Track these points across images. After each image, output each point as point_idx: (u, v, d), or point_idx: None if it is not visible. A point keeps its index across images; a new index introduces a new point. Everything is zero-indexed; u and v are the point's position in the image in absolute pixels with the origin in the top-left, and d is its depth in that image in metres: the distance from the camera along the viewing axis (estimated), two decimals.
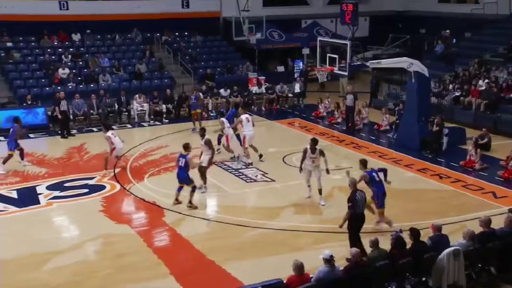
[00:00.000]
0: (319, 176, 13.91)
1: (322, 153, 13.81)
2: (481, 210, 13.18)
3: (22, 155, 17.24)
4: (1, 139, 19.70)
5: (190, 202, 14.03)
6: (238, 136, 17.69)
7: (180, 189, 14.19)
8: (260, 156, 17.53)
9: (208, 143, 14.97)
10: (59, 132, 21.12)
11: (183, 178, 14.13)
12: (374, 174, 12.20)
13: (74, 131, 21.37)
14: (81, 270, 11.04)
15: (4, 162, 16.71)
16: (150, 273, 10.85)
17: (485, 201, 14.32)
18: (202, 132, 15.46)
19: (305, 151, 13.92)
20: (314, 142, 13.92)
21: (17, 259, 11.45)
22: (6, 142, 17.29)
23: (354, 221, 11.21)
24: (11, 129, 17.18)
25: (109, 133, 16.55)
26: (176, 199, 14.21)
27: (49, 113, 22.00)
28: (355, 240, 11.17)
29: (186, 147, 14.23)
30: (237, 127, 17.65)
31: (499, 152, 17.89)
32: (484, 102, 21.50)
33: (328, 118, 23.37)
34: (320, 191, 13.95)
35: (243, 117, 17.37)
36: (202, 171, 14.91)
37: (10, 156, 16.85)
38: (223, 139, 17.70)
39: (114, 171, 16.68)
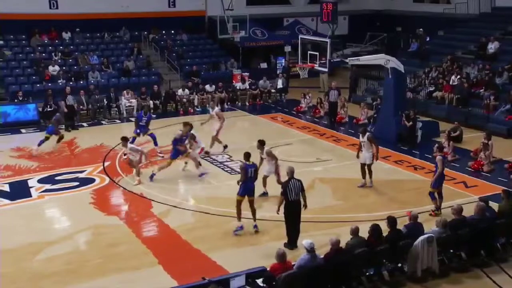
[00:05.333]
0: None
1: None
2: (453, 199, 13.64)
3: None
4: None
5: None
6: None
7: None
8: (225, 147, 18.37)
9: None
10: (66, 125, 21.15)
11: None
12: (249, 169, 12.39)
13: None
14: (73, 259, 11.30)
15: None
16: (139, 262, 11.15)
17: (457, 190, 14.80)
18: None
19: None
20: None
21: (11, 249, 11.70)
22: None
23: (287, 208, 11.52)
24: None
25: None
26: None
27: (40, 109, 22.24)
28: (288, 227, 11.59)
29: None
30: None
31: (470, 144, 18.50)
32: (456, 97, 22.05)
33: (311, 111, 23.81)
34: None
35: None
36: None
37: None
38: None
39: (103, 164, 17.13)
